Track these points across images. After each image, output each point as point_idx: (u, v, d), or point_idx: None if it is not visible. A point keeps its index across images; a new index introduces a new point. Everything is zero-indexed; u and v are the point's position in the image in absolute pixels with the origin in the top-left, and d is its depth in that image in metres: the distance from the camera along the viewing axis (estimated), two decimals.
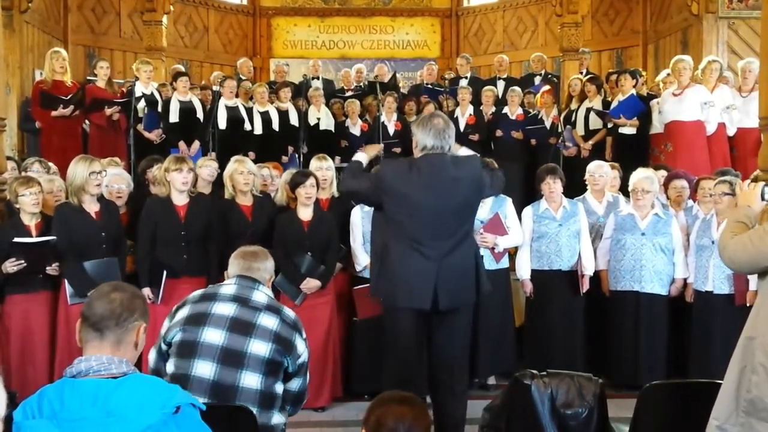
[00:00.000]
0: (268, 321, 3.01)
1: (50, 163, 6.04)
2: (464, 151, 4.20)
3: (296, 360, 3.06)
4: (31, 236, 4.74)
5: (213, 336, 2.96)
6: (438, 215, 3.82)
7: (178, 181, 5.01)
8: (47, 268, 4.74)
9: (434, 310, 3.86)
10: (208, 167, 5.60)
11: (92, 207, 4.88)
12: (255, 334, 2.97)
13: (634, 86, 7.79)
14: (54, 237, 4.71)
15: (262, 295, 3.12)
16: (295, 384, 3.13)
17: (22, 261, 4.63)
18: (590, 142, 8.08)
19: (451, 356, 4.01)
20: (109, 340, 2.12)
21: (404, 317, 3.91)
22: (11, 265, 4.61)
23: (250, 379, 2.93)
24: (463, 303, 3.97)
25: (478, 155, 4.24)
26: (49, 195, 5.12)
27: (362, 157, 4.23)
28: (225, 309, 3.02)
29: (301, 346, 3.08)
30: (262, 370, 2.95)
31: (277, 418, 3.02)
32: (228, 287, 3.13)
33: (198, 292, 3.18)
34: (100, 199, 4.98)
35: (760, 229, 2.92)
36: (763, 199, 3.10)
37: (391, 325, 4.03)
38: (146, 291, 4.92)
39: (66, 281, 4.76)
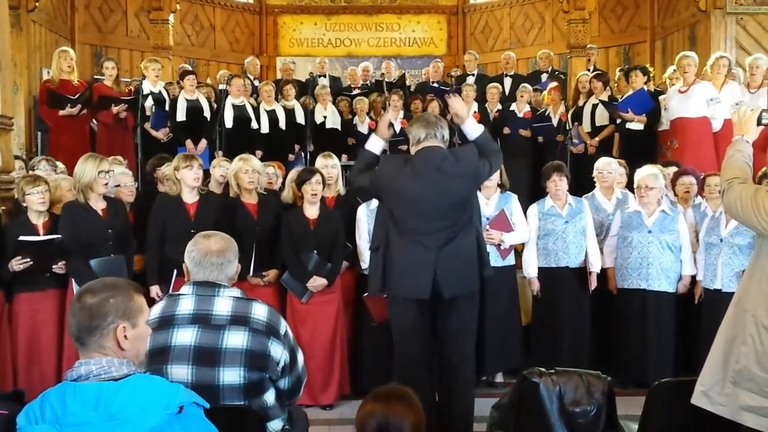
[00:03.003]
0: (235, 339, 2.72)
1: (58, 162, 6.05)
2: (471, 124, 4.13)
3: (276, 368, 2.81)
4: (38, 235, 4.77)
5: (179, 373, 2.68)
6: (435, 208, 3.88)
7: (189, 177, 5.04)
8: (53, 266, 4.76)
9: (435, 299, 3.89)
10: (221, 167, 5.61)
11: (99, 205, 4.90)
12: (223, 363, 2.69)
13: (645, 83, 7.76)
14: (59, 236, 4.73)
15: (224, 302, 2.79)
16: (282, 383, 2.91)
17: (28, 259, 4.65)
18: (597, 139, 8.05)
19: (457, 351, 4.01)
20: (91, 348, 2.08)
21: (406, 308, 3.95)
22: (17, 264, 4.64)
23: None
24: (464, 291, 3.98)
25: (484, 128, 4.20)
26: (69, 192, 5.13)
27: (374, 144, 4.19)
28: (186, 336, 2.71)
29: (277, 351, 2.80)
30: (241, 396, 2.73)
31: (275, 425, 2.91)
32: (186, 302, 2.79)
33: (156, 314, 2.79)
34: (107, 197, 4.99)
35: (752, 191, 2.93)
36: (759, 123, 3.09)
37: (394, 317, 4.07)
38: (155, 289, 4.96)
39: (73, 279, 4.77)
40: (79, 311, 2.08)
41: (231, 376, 2.71)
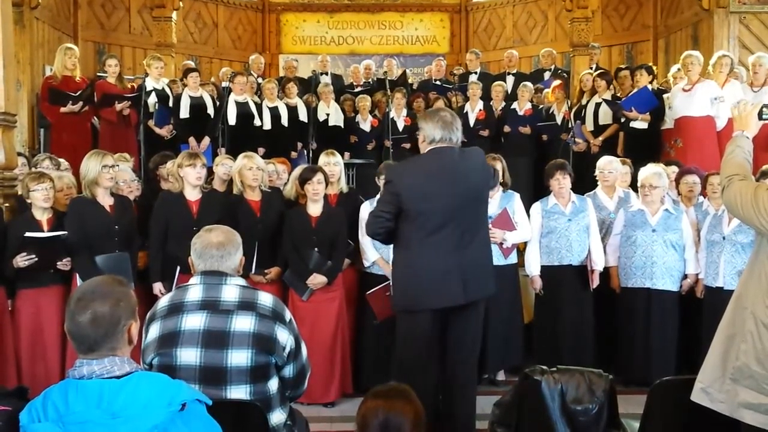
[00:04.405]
0: (243, 323, 2.80)
1: (60, 159, 6.06)
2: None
3: (282, 352, 2.87)
4: (42, 231, 4.76)
5: (188, 356, 2.75)
6: (452, 206, 3.81)
7: (192, 176, 5.06)
8: (58, 263, 4.76)
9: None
10: (224, 165, 5.63)
11: (106, 200, 4.91)
12: (232, 345, 2.76)
13: (650, 82, 7.76)
14: (65, 232, 4.73)
15: (231, 290, 2.87)
16: (287, 371, 2.96)
17: (33, 256, 4.64)
18: (600, 138, 8.04)
19: (464, 350, 3.99)
20: (102, 353, 2.05)
21: (425, 318, 3.86)
22: (22, 260, 4.63)
23: (237, 393, 2.79)
24: (485, 294, 3.98)
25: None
26: (60, 193, 5.14)
27: None
28: (195, 321, 2.79)
29: (283, 336, 2.86)
30: (248, 379, 2.79)
31: (277, 417, 2.93)
32: (194, 291, 2.88)
33: (165, 302, 2.91)
34: (114, 193, 5.00)
35: (752, 188, 2.93)
36: (761, 118, 3.09)
37: (410, 327, 3.94)
38: (158, 286, 4.97)
39: (78, 275, 4.77)
40: (91, 322, 2.03)
41: (239, 358, 2.77)
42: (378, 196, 5.36)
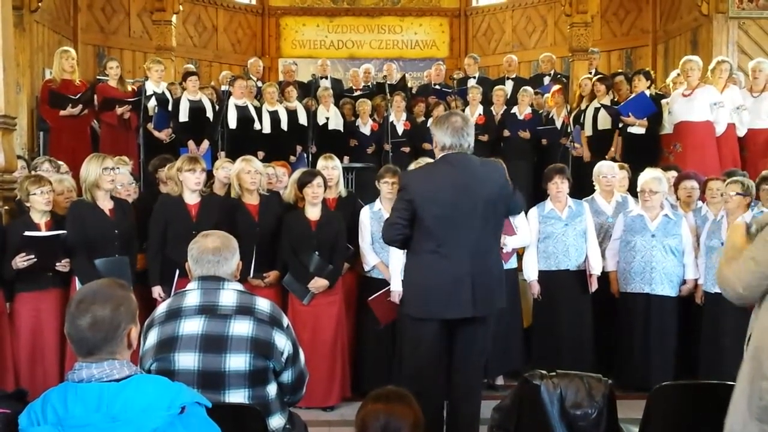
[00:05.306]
0: (241, 327, 2.80)
1: (60, 162, 6.06)
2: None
3: (280, 357, 2.88)
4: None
5: (186, 361, 2.75)
6: (465, 214, 3.75)
7: (191, 181, 5.06)
8: (57, 264, 4.75)
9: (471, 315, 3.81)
10: (224, 169, 5.63)
11: (106, 204, 4.91)
12: (230, 349, 2.77)
13: (648, 87, 7.76)
14: (64, 231, 4.72)
15: (229, 294, 2.88)
16: (285, 376, 2.96)
17: (33, 256, 4.63)
18: (612, 150, 7.91)
19: (470, 360, 3.95)
20: (102, 357, 2.04)
21: (432, 327, 3.82)
22: (21, 260, 4.61)
23: (236, 397, 2.79)
24: (495, 308, 3.92)
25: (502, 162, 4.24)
26: (60, 196, 5.14)
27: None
28: (193, 326, 2.79)
29: (281, 341, 2.87)
30: (246, 384, 2.80)
31: (276, 421, 2.93)
32: (192, 296, 2.87)
33: (163, 309, 2.91)
34: (114, 197, 5.00)
35: (757, 243, 2.86)
36: (748, 233, 3.03)
37: (417, 334, 3.91)
38: (158, 289, 4.98)
39: (76, 278, 4.77)
40: (90, 326, 2.03)
41: (237, 362, 2.78)
42: (378, 199, 5.37)
